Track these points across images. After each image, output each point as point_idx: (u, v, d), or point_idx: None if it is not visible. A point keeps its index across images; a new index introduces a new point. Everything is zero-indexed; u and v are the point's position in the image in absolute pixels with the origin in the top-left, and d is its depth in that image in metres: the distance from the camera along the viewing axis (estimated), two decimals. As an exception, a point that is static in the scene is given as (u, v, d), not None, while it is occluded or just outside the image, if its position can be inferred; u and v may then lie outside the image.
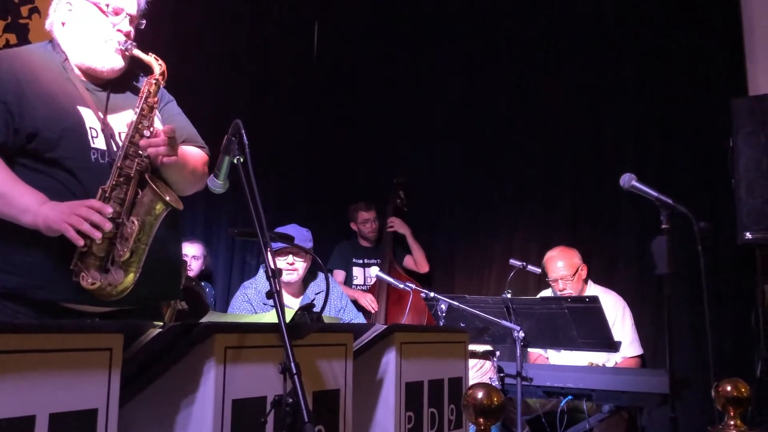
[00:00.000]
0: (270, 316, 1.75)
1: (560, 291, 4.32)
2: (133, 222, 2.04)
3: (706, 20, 4.86)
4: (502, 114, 5.59)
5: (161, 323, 1.64)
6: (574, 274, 4.29)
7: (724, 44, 4.80)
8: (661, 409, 3.52)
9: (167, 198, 2.09)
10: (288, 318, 1.75)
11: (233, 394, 1.72)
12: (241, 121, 1.98)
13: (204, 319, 1.94)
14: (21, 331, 1.39)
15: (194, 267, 5.02)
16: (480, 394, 1.56)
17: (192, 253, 5.01)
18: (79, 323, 1.70)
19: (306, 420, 1.58)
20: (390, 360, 2.28)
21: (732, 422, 1.83)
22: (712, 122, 4.72)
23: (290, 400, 1.63)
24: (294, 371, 1.63)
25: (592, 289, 4.35)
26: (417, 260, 5.55)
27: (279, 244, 3.78)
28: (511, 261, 4.01)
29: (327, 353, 2.04)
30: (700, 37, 4.87)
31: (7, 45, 4.38)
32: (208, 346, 1.69)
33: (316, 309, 1.80)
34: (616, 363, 4.18)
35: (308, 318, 1.80)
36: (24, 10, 4.51)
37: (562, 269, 4.31)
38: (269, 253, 1.82)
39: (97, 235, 1.95)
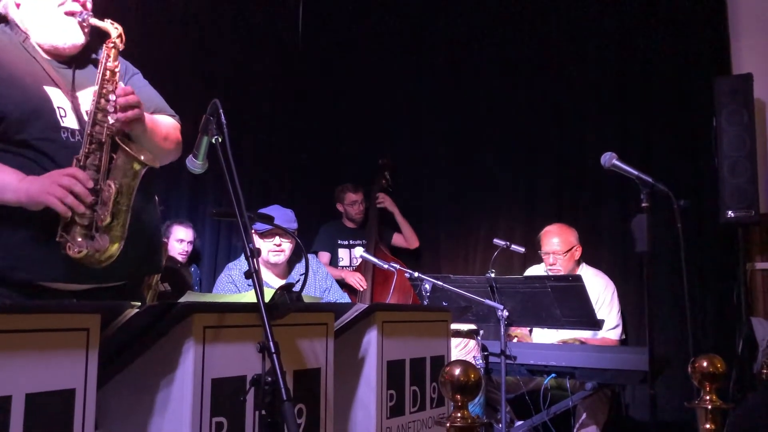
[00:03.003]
0: (251, 296, 1.76)
1: (550, 266, 4.34)
2: (110, 185, 2.02)
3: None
4: (487, 94, 5.58)
5: (139, 303, 1.63)
6: (566, 252, 4.30)
7: (708, 23, 4.80)
8: (644, 387, 3.56)
9: (141, 157, 2.06)
10: (268, 297, 1.75)
11: (212, 373, 1.72)
12: (226, 102, 1.98)
13: (183, 299, 1.94)
14: (-3, 312, 1.40)
15: (187, 250, 5.03)
16: (457, 371, 1.57)
17: (189, 238, 5.00)
18: (55, 303, 1.70)
19: (284, 398, 1.59)
20: (372, 339, 2.29)
21: (708, 397, 1.84)
22: (696, 101, 4.74)
23: (269, 378, 1.64)
24: (273, 350, 1.64)
25: (584, 270, 4.36)
26: (406, 236, 5.57)
27: (265, 226, 3.78)
28: (495, 241, 4.03)
29: (308, 332, 2.05)
30: (684, 15, 4.87)
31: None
32: (187, 325, 1.70)
33: (297, 288, 1.81)
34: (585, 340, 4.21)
35: (288, 297, 1.80)
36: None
37: (556, 245, 4.33)
38: (247, 233, 1.82)
39: (81, 208, 1.95)
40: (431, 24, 5.86)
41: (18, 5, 2.19)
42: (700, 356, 1.89)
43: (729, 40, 4.75)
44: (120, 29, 2.19)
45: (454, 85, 5.69)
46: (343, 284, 4.92)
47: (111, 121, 2.06)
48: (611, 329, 4.24)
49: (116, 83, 2.13)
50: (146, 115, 2.16)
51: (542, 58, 5.35)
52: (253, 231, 3.86)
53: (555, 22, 5.34)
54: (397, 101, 5.87)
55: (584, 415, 3.95)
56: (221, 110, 1.96)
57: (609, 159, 2.93)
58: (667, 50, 4.88)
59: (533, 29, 5.41)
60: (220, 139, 1.95)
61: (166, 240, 5.01)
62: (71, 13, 2.18)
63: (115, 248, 2.03)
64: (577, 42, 5.24)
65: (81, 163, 2.03)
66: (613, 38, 5.13)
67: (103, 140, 2.06)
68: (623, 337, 4.35)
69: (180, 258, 4.92)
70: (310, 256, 4.50)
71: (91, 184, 1.98)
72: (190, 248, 5.02)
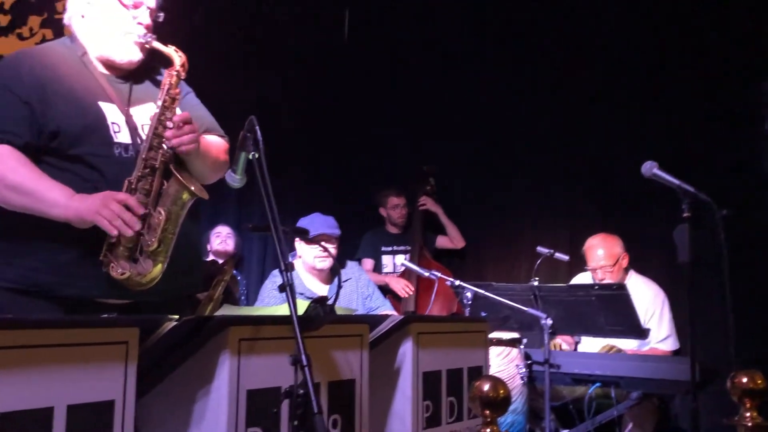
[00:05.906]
0: (286, 308, 1.80)
1: (599, 281, 4.16)
2: (160, 212, 2.08)
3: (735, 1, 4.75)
4: (527, 103, 5.53)
5: (177, 316, 1.68)
6: (614, 264, 4.15)
7: (754, 25, 4.67)
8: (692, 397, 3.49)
9: (192, 188, 2.12)
10: (302, 310, 1.79)
11: (248, 384, 1.77)
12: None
13: (218, 313, 1.99)
14: (40, 327, 1.46)
15: (230, 244, 5.19)
16: (486, 387, 1.58)
17: (226, 231, 5.21)
18: (95, 318, 1.75)
19: (315, 411, 1.62)
20: (407, 350, 2.31)
21: (747, 414, 1.81)
22: (742, 106, 4.61)
23: (301, 391, 1.67)
24: (304, 363, 1.67)
25: (633, 279, 4.23)
26: (452, 236, 5.55)
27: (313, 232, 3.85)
28: (539, 249, 4.00)
29: (342, 344, 2.08)
30: (728, 19, 4.74)
31: (44, 40, 4.47)
32: (223, 338, 1.75)
33: (336, 298, 1.84)
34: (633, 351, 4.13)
35: (321, 310, 1.84)
36: (59, 6, 4.60)
37: (602, 259, 4.17)
38: (282, 248, 1.86)
39: (129, 232, 2.00)
40: (475, 33, 5.83)
41: (83, 16, 2.26)
42: (740, 371, 1.86)
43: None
44: (184, 58, 2.25)
45: (496, 92, 5.64)
46: (387, 290, 4.94)
47: (166, 147, 2.12)
48: (662, 340, 4.12)
49: (174, 112, 2.19)
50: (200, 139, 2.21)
51: (584, 66, 5.28)
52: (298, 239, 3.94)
53: (594, 29, 5.24)
54: (440, 108, 5.86)
55: (631, 425, 3.89)
56: (257, 127, 2.00)
57: (650, 168, 2.89)
58: (713, 54, 4.76)
59: (571, 35, 5.33)
60: (257, 155, 2.00)
61: (208, 246, 5.17)
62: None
63: (158, 270, 2.08)
64: (617, 49, 5.15)
65: (132, 186, 2.09)
66: (654, 43, 5.03)
67: (157, 166, 2.12)
68: (677, 347, 4.22)
69: (221, 249, 5.14)
70: (351, 263, 4.55)
71: (141, 211, 2.03)
72: (229, 240, 5.18)
